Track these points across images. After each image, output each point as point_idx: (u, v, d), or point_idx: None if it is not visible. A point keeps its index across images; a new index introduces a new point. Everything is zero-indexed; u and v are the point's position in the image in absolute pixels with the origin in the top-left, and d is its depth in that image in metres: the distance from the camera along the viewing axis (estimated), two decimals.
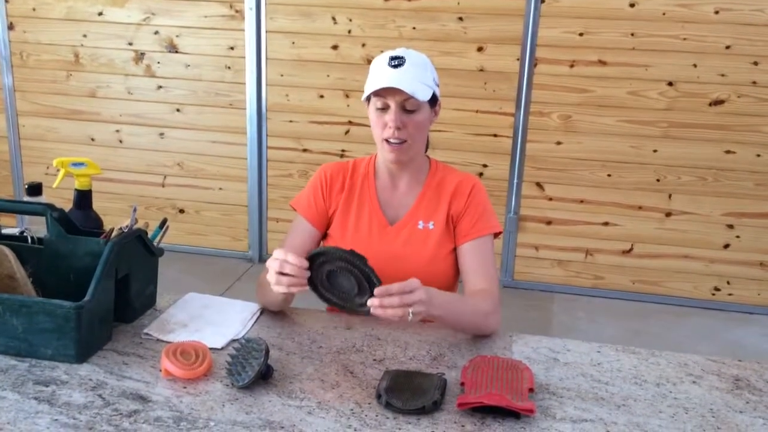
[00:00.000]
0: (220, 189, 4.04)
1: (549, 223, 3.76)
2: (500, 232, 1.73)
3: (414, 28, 3.59)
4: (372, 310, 1.33)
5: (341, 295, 1.40)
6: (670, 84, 3.47)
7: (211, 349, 1.41)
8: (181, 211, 4.11)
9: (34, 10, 3.91)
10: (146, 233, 1.57)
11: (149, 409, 1.24)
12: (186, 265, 3.83)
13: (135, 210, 1.56)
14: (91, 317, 1.38)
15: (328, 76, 3.74)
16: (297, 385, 1.33)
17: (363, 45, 3.66)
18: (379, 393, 1.28)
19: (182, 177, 4.05)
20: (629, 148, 3.58)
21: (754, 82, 3.41)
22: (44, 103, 4.06)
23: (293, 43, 3.73)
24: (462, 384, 1.32)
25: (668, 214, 3.65)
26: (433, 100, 1.65)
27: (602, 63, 3.49)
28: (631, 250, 3.73)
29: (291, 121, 3.85)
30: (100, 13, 3.86)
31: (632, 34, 3.44)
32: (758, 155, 3.49)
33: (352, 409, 1.26)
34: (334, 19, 3.66)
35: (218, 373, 1.36)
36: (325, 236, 1.79)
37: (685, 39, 3.40)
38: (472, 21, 3.54)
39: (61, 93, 4.02)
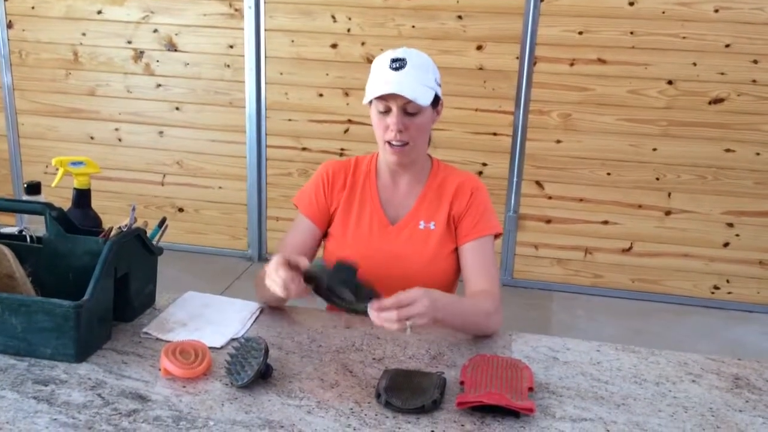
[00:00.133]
0: (220, 188, 4.04)
1: (548, 221, 3.75)
2: (501, 234, 1.73)
3: (413, 26, 3.59)
4: (374, 321, 1.33)
5: (343, 302, 1.39)
6: (670, 82, 3.47)
7: (210, 348, 1.41)
8: (181, 209, 4.11)
9: (33, 8, 3.91)
10: (145, 232, 1.57)
11: (148, 408, 1.24)
12: (185, 264, 3.83)
13: (134, 209, 1.56)
14: (90, 316, 1.38)
15: (327, 74, 3.74)
16: (296, 385, 1.33)
17: (362, 43, 3.66)
18: (378, 392, 1.28)
19: (181, 176, 4.05)
20: (629, 146, 3.58)
21: (754, 81, 3.41)
22: (43, 101, 4.05)
23: (292, 41, 3.73)
24: (461, 383, 1.32)
25: (668, 213, 3.65)
26: (435, 101, 1.65)
27: (602, 61, 3.49)
28: (630, 248, 3.73)
29: (290, 120, 3.85)
30: (100, 12, 3.86)
31: (632, 33, 3.43)
32: (758, 154, 3.49)
33: (351, 409, 1.26)
34: (333, 17, 3.66)
35: (217, 373, 1.36)
36: (326, 234, 1.79)
37: (684, 37, 3.40)
38: (472, 19, 3.54)
39: (61, 91, 4.02)
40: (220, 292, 3.31)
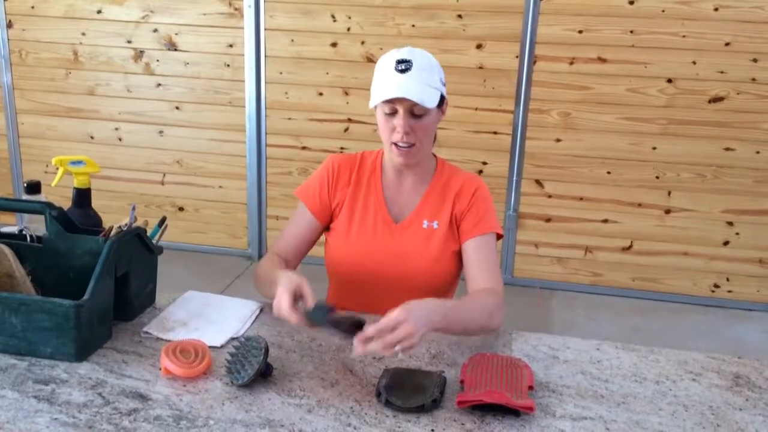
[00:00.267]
0: (220, 187, 4.04)
1: (548, 220, 3.76)
2: (501, 236, 1.73)
3: (413, 25, 3.59)
4: (356, 351, 1.29)
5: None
6: (670, 81, 3.47)
7: (210, 347, 1.41)
8: (181, 209, 4.11)
9: (33, 8, 3.91)
10: (145, 231, 1.57)
11: (149, 407, 1.24)
12: (185, 263, 3.83)
13: (134, 208, 1.56)
14: (90, 316, 1.38)
15: (327, 73, 3.74)
16: (296, 384, 1.33)
17: (362, 42, 3.66)
18: (378, 391, 1.28)
19: (181, 175, 4.05)
20: (629, 145, 3.58)
21: (754, 79, 3.41)
22: (43, 101, 4.05)
23: (292, 40, 3.73)
24: (461, 382, 1.32)
25: (668, 211, 3.65)
26: (440, 100, 1.64)
27: (602, 60, 3.49)
28: (630, 247, 3.73)
29: (290, 119, 3.85)
30: (99, 11, 3.86)
31: (632, 32, 3.43)
32: (757, 152, 3.49)
33: (351, 407, 1.26)
34: (333, 16, 3.66)
35: (218, 372, 1.36)
36: (327, 229, 1.79)
37: (684, 36, 3.40)
38: (472, 18, 3.54)
39: (60, 91, 4.02)
40: (221, 291, 3.31)
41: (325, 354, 1.45)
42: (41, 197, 1.69)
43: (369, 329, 1.28)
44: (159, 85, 3.92)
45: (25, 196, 1.69)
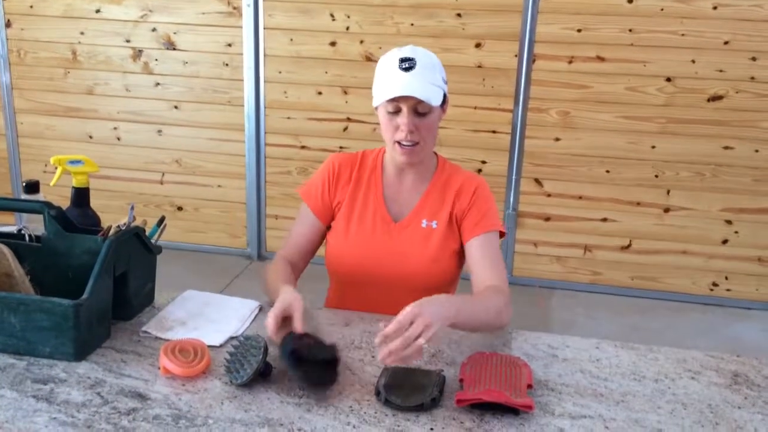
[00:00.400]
0: (219, 186, 4.04)
1: (548, 219, 3.76)
2: (504, 234, 1.72)
3: (412, 24, 3.58)
4: (384, 360, 1.27)
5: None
6: (669, 80, 3.47)
7: (209, 346, 1.41)
8: (180, 208, 4.11)
9: (31, 7, 3.90)
10: (144, 231, 1.57)
11: (148, 407, 1.24)
12: (184, 262, 3.83)
13: (132, 208, 1.56)
14: (89, 315, 1.38)
15: (326, 72, 3.73)
16: (295, 383, 1.33)
17: (361, 42, 3.65)
18: (377, 390, 1.28)
19: (180, 174, 4.04)
20: (627, 144, 3.58)
21: (753, 78, 3.41)
22: (42, 100, 4.05)
23: (291, 39, 3.73)
24: (461, 381, 1.33)
25: (667, 210, 3.65)
26: (442, 99, 1.65)
27: (600, 59, 3.49)
28: (629, 246, 3.73)
29: (289, 118, 3.85)
30: (98, 11, 3.86)
31: (630, 30, 3.43)
32: (756, 151, 3.49)
33: (350, 406, 1.26)
34: (332, 15, 3.65)
35: (217, 371, 1.36)
36: (328, 228, 1.79)
37: (683, 35, 3.40)
38: (471, 17, 3.53)
39: (59, 90, 4.02)
40: (220, 290, 3.31)
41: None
42: (40, 197, 1.69)
43: (387, 328, 1.27)
44: (158, 84, 3.92)
45: (23, 196, 1.69)
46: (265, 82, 3.80)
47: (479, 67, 3.59)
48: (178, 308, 1.61)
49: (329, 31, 3.68)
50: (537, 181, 3.71)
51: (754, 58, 3.38)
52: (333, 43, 3.69)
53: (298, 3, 3.67)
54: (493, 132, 3.67)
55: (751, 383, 1.40)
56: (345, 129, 3.80)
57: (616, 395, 1.33)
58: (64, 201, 1.61)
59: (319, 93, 3.78)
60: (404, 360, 1.26)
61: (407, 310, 1.29)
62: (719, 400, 1.33)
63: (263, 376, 1.32)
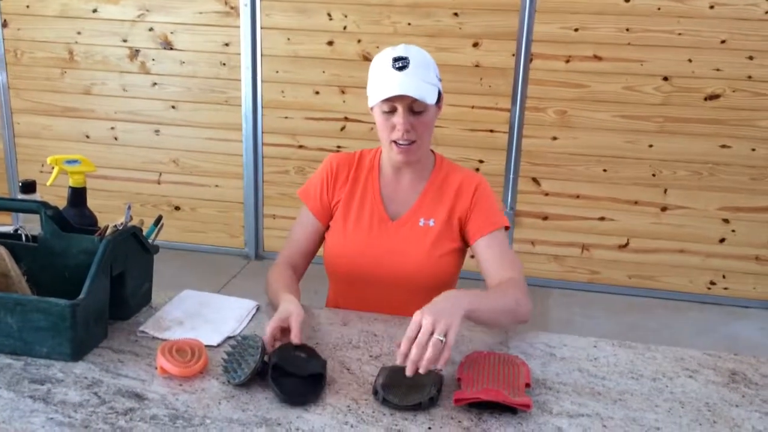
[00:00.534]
0: (216, 186, 4.03)
1: (545, 218, 3.76)
2: (509, 227, 1.73)
3: (409, 23, 3.58)
4: (409, 372, 1.26)
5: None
6: (666, 79, 3.48)
7: (207, 346, 1.41)
8: (177, 208, 4.10)
9: (28, 7, 3.90)
10: (141, 230, 1.57)
11: (145, 407, 1.24)
12: (182, 262, 3.82)
13: (129, 207, 1.55)
14: (86, 315, 1.38)
15: (323, 72, 3.73)
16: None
17: (358, 41, 3.65)
18: (375, 389, 1.28)
19: (178, 174, 4.04)
20: (625, 143, 3.58)
21: (749, 77, 3.41)
22: (39, 100, 4.04)
23: (288, 39, 3.73)
24: (458, 380, 1.32)
25: (664, 209, 3.65)
26: (437, 96, 1.65)
27: (597, 58, 3.49)
28: (627, 244, 3.73)
29: (286, 118, 3.84)
30: (95, 10, 3.85)
31: (627, 30, 3.43)
32: (753, 149, 3.49)
33: (348, 406, 1.26)
34: (329, 15, 3.65)
35: (214, 371, 1.35)
36: (328, 228, 1.78)
37: (680, 34, 3.40)
38: (468, 16, 3.53)
39: (56, 90, 4.01)
40: (217, 290, 3.31)
41: (321, 352, 1.45)
42: (36, 197, 1.68)
43: (401, 347, 1.26)
44: (155, 84, 3.91)
45: (20, 196, 1.68)
46: (262, 81, 3.80)
47: (476, 66, 3.59)
48: (175, 308, 1.61)
49: (326, 31, 3.68)
50: (534, 180, 3.71)
51: (750, 57, 3.38)
52: (330, 43, 3.69)
53: (295, 2, 3.67)
54: (491, 131, 3.67)
55: (748, 381, 1.40)
56: (342, 128, 3.80)
57: (614, 394, 1.33)
58: (60, 201, 1.61)
59: (317, 92, 3.78)
60: (432, 363, 1.24)
61: (413, 319, 1.29)
62: (717, 399, 1.33)
63: (261, 375, 1.32)
